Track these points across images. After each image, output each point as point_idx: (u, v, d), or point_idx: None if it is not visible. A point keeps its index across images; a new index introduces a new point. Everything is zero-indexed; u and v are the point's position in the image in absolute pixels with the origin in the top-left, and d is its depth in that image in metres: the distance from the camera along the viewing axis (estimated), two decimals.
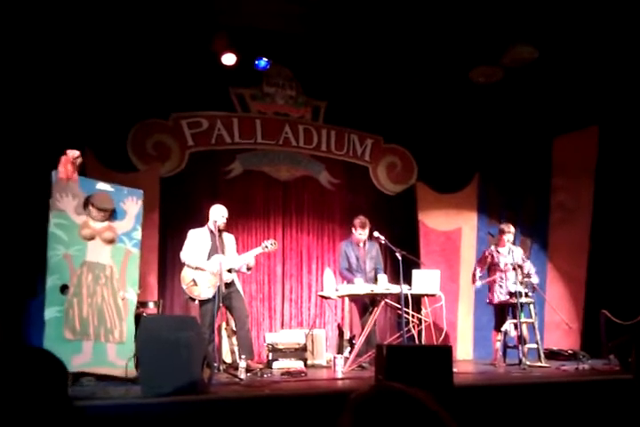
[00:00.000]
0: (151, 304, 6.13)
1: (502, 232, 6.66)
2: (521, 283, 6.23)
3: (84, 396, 3.72)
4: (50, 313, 4.72)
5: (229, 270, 5.68)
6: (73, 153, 5.00)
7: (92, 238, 5.00)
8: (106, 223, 5.08)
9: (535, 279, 6.51)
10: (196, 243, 5.77)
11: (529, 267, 6.56)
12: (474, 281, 6.74)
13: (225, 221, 5.82)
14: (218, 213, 5.81)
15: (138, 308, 5.31)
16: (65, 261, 4.85)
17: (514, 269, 6.32)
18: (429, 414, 1.11)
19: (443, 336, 6.12)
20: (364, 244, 6.51)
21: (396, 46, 6.99)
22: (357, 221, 6.48)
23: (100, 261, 5.01)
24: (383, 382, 1.21)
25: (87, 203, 5.02)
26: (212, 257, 5.68)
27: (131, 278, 5.16)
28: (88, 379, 4.65)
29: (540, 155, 8.06)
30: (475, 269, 6.77)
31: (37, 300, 5.26)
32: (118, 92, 6.61)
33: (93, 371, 4.73)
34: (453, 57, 7.05)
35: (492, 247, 6.75)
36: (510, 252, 6.56)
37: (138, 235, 5.26)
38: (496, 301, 6.52)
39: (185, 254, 5.76)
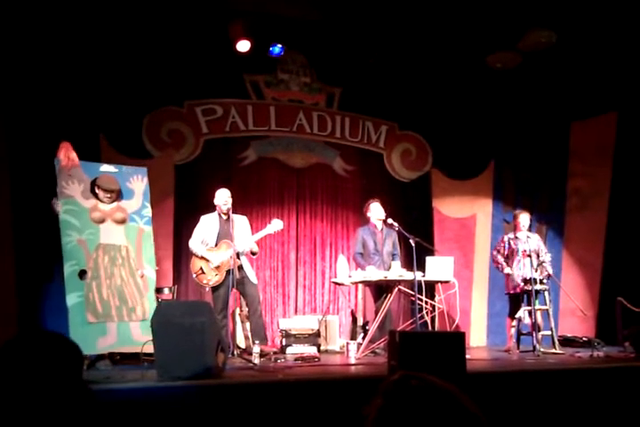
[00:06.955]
0: (166, 290, 6.18)
1: (516, 217, 6.71)
2: (536, 270, 6.20)
3: (100, 380, 3.77)
4: (71, 299, 4.79)
5: (237, 255, 5.72)
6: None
7: (102, 221, 5.07)
8: (115, 204, 5.16)
9: (550, 269, 6.47)
10: (204, 228, 5.85)
11: (545, 256, 6.53)
12: (503, 268, 6.60)
13: (229, 205, 5.84)
14: (220, 198, 5.86)
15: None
16: (79, 246, 4.92)
17: (529, 255, 6.28)
18: (460, 408, 1.11)
19: (456, 323, 6.12)
20: (382, 229, 6.52)
21: (411, 32, 6.91)
22: (367, 203, 6.62)
23: (115, 242, 5.07)
24: (413, 372, 1.20)
25: (94, 186, 5.09)
26: (220, 242, 5.73)
27: (147, 256, 5.21)
28: (105, 363, 4.73)
29: (557, 140, 7.95)
30: (496, 257, 6.71)
31: (54, 286, 5.33)
32: (132, 80, 6.62)
33: (120, 351, 4.86)
34: (470, 42, 6.96)
35: (511, 234, 6.73)
36: (527, 238, 6.55)
37: (148, 212, 5.32)
38: (513, 289, 6.49)
39: (192, 242, 5.84)
